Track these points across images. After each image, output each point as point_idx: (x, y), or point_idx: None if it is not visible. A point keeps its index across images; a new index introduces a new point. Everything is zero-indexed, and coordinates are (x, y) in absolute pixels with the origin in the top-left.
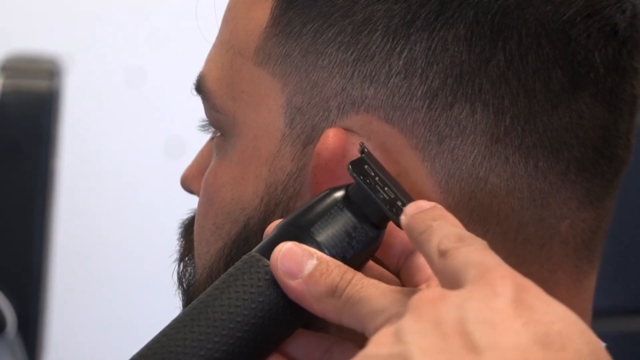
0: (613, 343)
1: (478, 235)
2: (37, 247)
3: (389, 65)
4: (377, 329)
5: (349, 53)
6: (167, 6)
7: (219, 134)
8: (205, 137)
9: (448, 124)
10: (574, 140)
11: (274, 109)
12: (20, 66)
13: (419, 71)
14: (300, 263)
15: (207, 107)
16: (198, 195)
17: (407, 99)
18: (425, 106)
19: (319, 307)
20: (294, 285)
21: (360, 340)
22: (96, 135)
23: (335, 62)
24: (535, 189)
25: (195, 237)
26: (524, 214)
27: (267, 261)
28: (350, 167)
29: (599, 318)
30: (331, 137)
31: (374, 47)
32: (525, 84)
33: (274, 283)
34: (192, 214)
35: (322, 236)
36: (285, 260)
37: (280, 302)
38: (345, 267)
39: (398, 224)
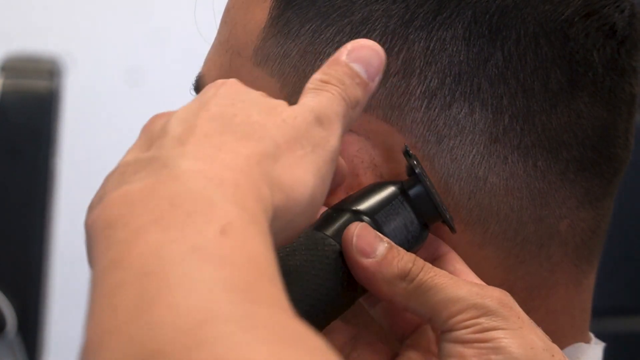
0: (613, 343)
1: (477, 234)
2: (37, 247)
3: (388, 65)
4: (452, 316)
5: None
6: (167, 6)
7: None
8: None
9: (447, 124)
10: (572, 139)
11: None
12: (20, 66)
13: (417, 71)
14: (372, 244)
15: None
16: None
17: (406, 98)
18: (423, 106)
19: (387, 290)
20: (366, 263)
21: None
22: (96, 135)
23: None
24: (534, 188)
25: None
26: (523, 213)
27: (333, 240)
28: (415, 164)
29: (599, 318)
30: None
31: None
32: (523, 83)
33: (339, 262)
34: None
35: (386, 225)
36: (359, 240)
37: (341, 282)
38: (414, 255)
39: (452, 228)
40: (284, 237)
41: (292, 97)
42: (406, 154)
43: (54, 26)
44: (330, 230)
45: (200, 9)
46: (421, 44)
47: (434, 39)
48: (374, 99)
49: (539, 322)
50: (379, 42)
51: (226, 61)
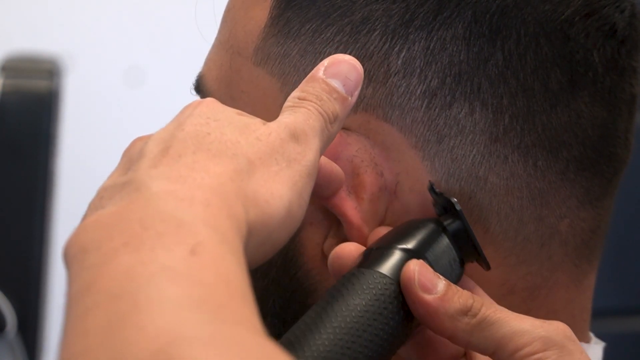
0: (613, 343)
1: (478, 234)
2: (37, 247)
3: (388, 65)
4: (518, 348)
5: (348, 52)
6: (167, 6)
7: None
8: None
9: (447, 123)
10: (573, 139)
11: (273, 109)
12: (20, 66)
13: (418, 70)
14: (432, 281)
15: None
16: None
17: (406, 98)
18: (424, 105)
19: (450, 325)
20: (429, 299)
21: None
22: (96, 135)
23: None
24: (534, 188)
25: None
26: (524, 213)
27: (391, 279)
28: (456, 201)
29: (599, 318)
30: None
31: (372, 47)
32: (524, 83)
33: (399, 300)
34: None
35: (436, 264)
36: (421, 277)
37: (402, 320)
38: (470, 293)
39: (487, 265)
40: (262, 252)
41: None
42: (432, 190)
43: (54, 26)
44: (386, 269)
45: (201, 9)
46: (421, 44)
47: (434, 38)
48: (375, 98)
49: None
50: (379, 42)
51: (226, 61)
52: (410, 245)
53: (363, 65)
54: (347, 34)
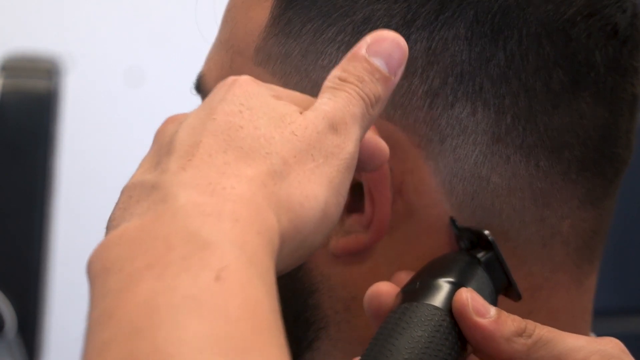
0: None
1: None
2: (37, 247)
3: None
4: None
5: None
6: (167, 6)
7: None
8: None
9: (449, 123)
10: (574, 139)
11: None
12: (20, 66)
13: (420, 70)
14: (484, 306)
15: None
16: None
17: (408, 98)
18: (426, 105)
19: (507, 347)
20: (485, 323)
21: None
22: (96, 135)
23: (336, 61)
24: (536, 188)
25: None
26: (526, 213)
27: (444, 311)
28: (490, 236)
29: (599, 318)
30: None
31: None
32: (525, 83)
33: (455, 330)
34: None
35: (479, 295)
36: (474, 302)
37: (458, 349)
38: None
39: (519, 295)
40: (297, 257)
41: None
42: (454, 226)
43: (54, 26)
44: (438, 301)
45: (201, 9)
46: (423, 44)
47: (436, 38)
48: None
49: (541, 322)
50: None
51: (227, 61)
52: (453, 278)
53: None
54: (349, 33)
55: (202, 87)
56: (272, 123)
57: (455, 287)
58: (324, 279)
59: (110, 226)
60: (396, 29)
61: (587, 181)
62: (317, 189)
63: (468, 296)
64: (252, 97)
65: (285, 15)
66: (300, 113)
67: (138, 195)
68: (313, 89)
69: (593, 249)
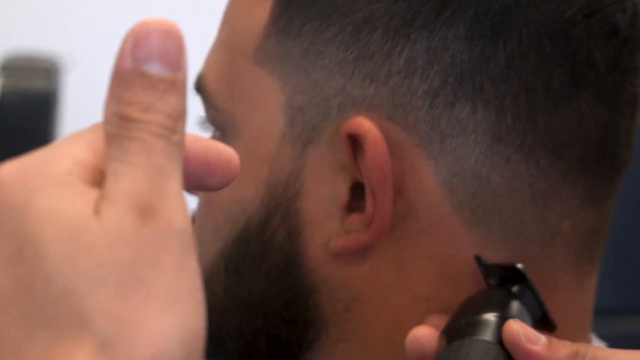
0: (613, 343)
1: (480, 235)
2: None
3: (389, 64)
4: None
5: (349, 52)
6: (166, 6)
7: (218, 133)
8: (204, 135)
9: (449, 123)
10: (575, 139)
11: (274, 109)
12: (20, 66)
13: (420, 70)
14: (535, 334)
15: (206, 106)
16: (198, 196)
17: (408, 97)
18: (426, 105)
19: None
20: (540, 349)
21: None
22: None
23: (336, 61)
24: (536, 188)
25: (196, 238)
26: (526, 213)
27: (495, 343)
28: (524, 269)
29: (599, 318)
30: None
31: (374, 46)
32: (526, 83)
33: (505, 359)
34: (192, 215)
35: None
36: (525, 331)
37: None
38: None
39: (554, 326)
40: None
41: (293, 97)
42: (480, 264)
43: (54, 26)
44: (488, 335)
45: (201, 9)
46: (423, 43)
47: (436, 38)
48: (377, 97)
49: None
50: (380, 41)
51: (227, 61)
52: (496, 312)
53: (365, 65)
54: (349, 33)
55: (202, 87)
56: (66, 261)
57: (501, 320)
58: (324, 279)
59: None
60: (396, 29)
61: (588, 181)
62: (163, 327)
63: (518, 325)
64: (25, 225)
65: (285, 15)
66: (95, 212)
67: None
68: (313, 89)
69: (593, 249)
